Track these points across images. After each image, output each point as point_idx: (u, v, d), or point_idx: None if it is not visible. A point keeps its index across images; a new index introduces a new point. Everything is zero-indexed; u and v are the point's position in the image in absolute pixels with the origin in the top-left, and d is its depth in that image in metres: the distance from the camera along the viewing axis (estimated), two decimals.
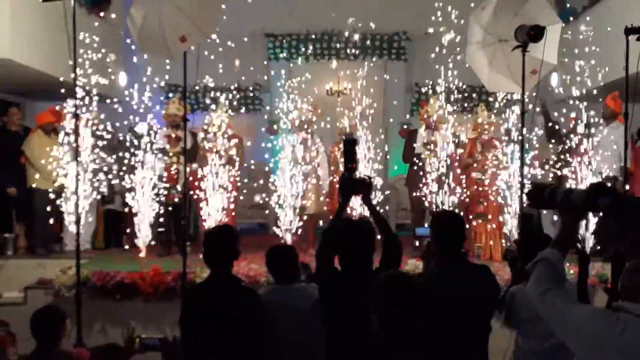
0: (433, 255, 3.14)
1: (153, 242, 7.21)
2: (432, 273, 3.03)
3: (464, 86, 7.33)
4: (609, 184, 2.39)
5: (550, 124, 7.79)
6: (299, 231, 7.21)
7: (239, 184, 7.84)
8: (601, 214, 2.34)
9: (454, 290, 2.93)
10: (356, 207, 6.90)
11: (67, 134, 7.05)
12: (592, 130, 6.98)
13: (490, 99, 7.74)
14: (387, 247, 3.24)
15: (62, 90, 6.40)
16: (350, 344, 3.00)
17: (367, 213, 3.64)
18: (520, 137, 5.15)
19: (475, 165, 7.40)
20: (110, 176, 7.41)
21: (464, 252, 3.23)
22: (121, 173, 7.27)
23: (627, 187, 6.73)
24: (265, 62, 11.68)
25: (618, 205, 2.16)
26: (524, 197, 4.65)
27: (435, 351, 2.61)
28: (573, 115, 7.32)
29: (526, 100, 5.07)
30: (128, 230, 7.57)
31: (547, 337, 2.87)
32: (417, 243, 7.11)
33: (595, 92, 7.06)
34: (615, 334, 1.91)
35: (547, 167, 7.31)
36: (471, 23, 5.27)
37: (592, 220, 6.48)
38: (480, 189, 7.32)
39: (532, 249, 2.49)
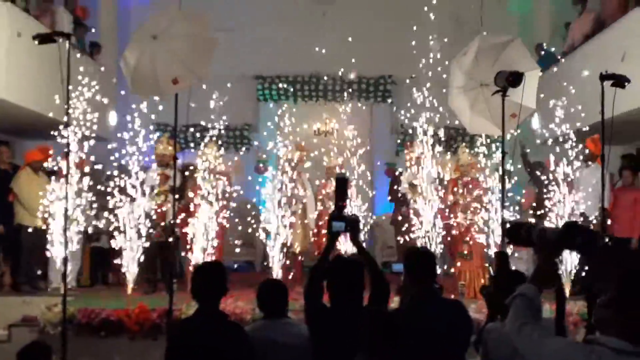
0: (407, 290, 3.21)
1: (139, 279, 7.22)
2: (406, 307, 3.09)
3: (444, 129, 7.56)
4: (585, 223, 2.51)
5: (529, 167, 8.03)
6: (288, 269, 7.26)
7: (226, 217, 7.88)
8: (576, 251, 2.44)
9: (426, 324, 2.99)
10: (342, 246, 6.98)
11: (54, 172, 7.09)
12: (568, 171, 7.15)
13: (476, 144, 7.91)
14: (375, 285, 3.29)
15: (55, 132, 6.50)
16: None
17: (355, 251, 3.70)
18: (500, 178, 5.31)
19: (457, 203, 7.57)
20: (95, 213, 7.45)
21: (437, 287, 3.30)
22: (108, 211, 7.32)
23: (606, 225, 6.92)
24: (255, 103, 11.92)
25: (592, 243, 2.28)
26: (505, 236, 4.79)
27: None
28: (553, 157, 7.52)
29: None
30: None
31: None
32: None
33: (574, 135, 7.28)
34: None
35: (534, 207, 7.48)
36: (453, 68, 5.47)
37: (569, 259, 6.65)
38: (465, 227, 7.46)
39: (505, 285, 2.60)
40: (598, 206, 7.08)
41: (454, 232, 7.49)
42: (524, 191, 7.95)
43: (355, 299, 3.18)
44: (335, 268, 3.24)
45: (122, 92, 7.63)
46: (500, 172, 5.31)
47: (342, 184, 3.44)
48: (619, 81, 4.96)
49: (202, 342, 3.33)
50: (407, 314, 3.00)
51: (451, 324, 3.07)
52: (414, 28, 7.98)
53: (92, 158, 7.38)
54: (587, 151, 7.34)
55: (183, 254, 7.47)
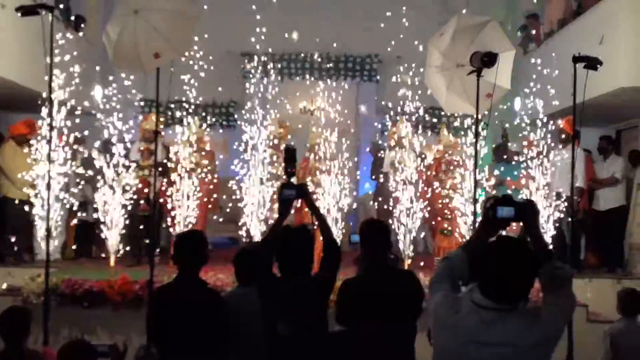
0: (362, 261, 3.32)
1: (122, 252, 7.33)
2: (359, 277, 3.20)
3: (427, 108, 7.67)
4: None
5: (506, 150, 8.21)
6: None
7: (212, 190, 7.97)
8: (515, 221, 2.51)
9: (378, 293, 3.11)
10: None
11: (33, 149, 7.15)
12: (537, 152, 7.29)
13: (457, 123, 8.03)
14: (326, 250, 3.33)
15: (40, 103, 6.54)
16: (289, 347, 3.08)
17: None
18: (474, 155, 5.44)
19: (440, 182, 7.71)
20: (81, 187, 7.53)
21: (392, 258, 3.41)
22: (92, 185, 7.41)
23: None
24: (241, 80, 11.93)
25: (521, 214, 2.37)
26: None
27: (364, 349, 2.80)
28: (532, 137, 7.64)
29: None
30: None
31: None
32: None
33: (548, 117, 7.42)
34: (450, 314, 2.23)
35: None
36: (430, 48, 5.56)
37: None
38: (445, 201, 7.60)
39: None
40: (575, 186, 7.26)
41: (436, 207, 7.64)
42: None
43: (303, 268, 3.18)
44: (282, 237, 3.25)
45: (104, 64, 7.62)
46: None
47: (292, 153, 3.49)
48: (592, 63, 5.05)
49: (181, 307, 3.46)
50: (360, 283, 3.11)
51: (402, 292, 3.19)
52: (403, 9, 8.06)
53: (76, 132, 7.44)
54: (563, 134, 7.48)
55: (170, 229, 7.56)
